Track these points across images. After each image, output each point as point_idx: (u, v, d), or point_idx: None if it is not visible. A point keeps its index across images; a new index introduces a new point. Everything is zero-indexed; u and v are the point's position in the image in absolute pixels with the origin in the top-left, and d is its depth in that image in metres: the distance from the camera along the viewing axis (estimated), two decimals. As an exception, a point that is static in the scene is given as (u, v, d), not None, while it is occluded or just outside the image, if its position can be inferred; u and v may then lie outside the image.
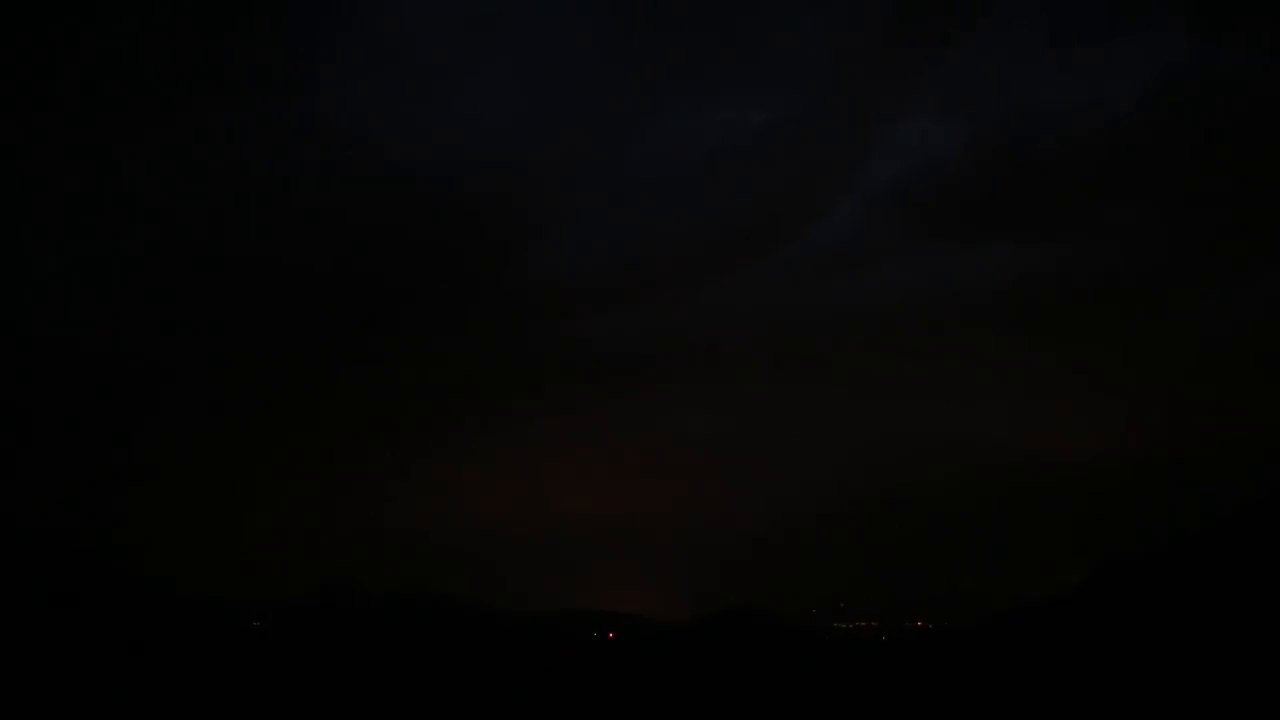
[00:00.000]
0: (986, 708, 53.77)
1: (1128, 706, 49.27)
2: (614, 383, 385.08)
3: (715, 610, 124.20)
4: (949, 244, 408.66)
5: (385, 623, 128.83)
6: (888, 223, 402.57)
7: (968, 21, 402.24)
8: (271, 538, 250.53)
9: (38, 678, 54.48)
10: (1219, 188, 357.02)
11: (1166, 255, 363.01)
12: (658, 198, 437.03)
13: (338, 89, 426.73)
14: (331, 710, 56.55)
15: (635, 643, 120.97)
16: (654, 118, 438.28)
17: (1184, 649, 56.20)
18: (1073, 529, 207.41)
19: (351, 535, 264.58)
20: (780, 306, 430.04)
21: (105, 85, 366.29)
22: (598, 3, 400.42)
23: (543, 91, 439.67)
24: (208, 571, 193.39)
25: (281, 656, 77.51)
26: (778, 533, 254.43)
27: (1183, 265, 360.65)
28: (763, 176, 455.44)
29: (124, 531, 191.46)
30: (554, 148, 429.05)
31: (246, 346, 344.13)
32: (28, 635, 64.15)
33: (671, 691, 66.28)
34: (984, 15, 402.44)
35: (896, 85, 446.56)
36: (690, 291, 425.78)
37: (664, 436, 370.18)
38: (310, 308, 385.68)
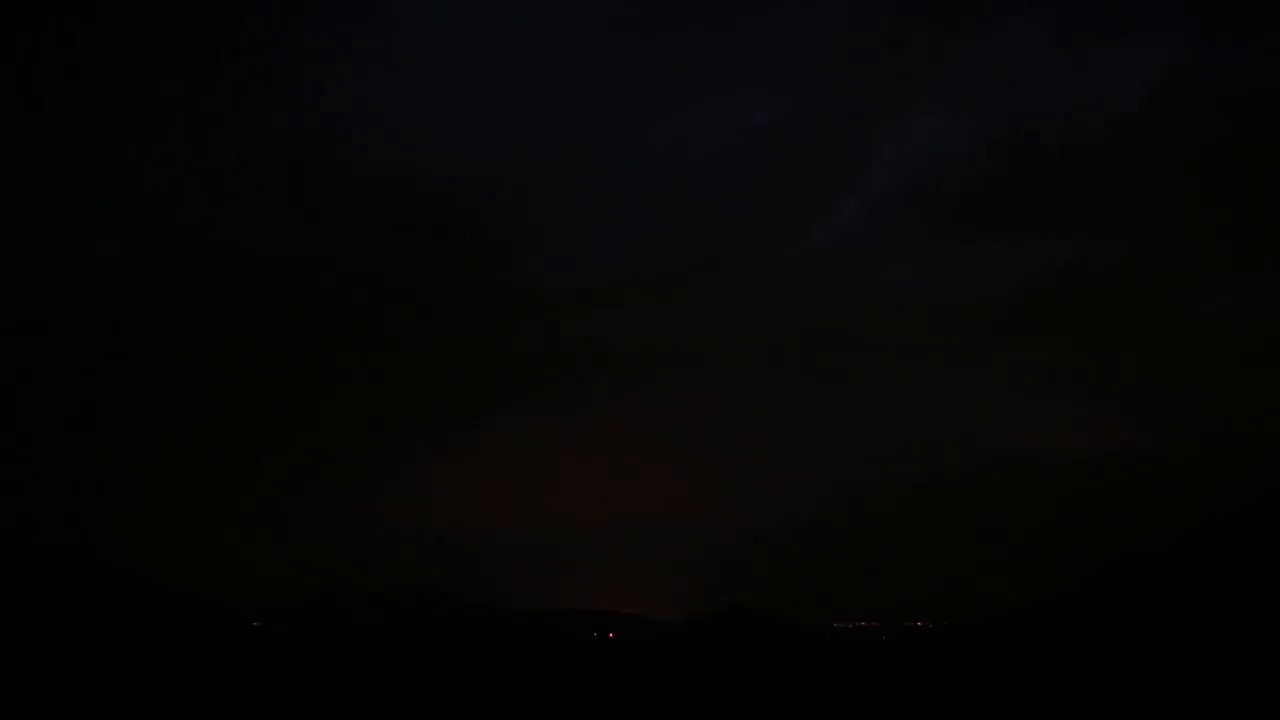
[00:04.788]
0: (986, 707, 53.71)
1: (1127, 706, 49.22)
2: (615, 382, 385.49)
3: (715, 610, 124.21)
4: (952, 243, 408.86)
5: (385, 622, 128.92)
6: (891, 222, 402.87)
7: (973, 21, 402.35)
8: (271, 537, 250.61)
9: (39, 677, 54.47)
10: (1223, 187, 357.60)
11: (1169, 255, 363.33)
12: (660, 197, 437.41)
13: (343, 90, 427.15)
14: (332, 710, 56.48)
15: (635, 643, 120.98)
16: (657, 117, 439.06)
17: (1184, 649, 56.18)
18: (1073, 529, 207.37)
19: (352, 535, 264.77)
20: (782, 306, 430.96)
21: (112, 85, 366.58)
22: (602, 3, 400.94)
23: (547, 91, 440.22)
24: (208, 571, 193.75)
25: (281, 656, 77.47)
26: (777, 533, 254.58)
27: (1185, 265, 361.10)
28: (766, 176, 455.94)
29: (124, 531, 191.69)
30: (557, 147, 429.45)
31: (247, 346, 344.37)
32: (29, 635, 64.14)
33: (671, 691, 66.22)
34: (989, 15, 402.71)
35: (901, 85, 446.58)
36: (692, 291, 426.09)
37: (664, 436, 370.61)
38: (311, 307, 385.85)
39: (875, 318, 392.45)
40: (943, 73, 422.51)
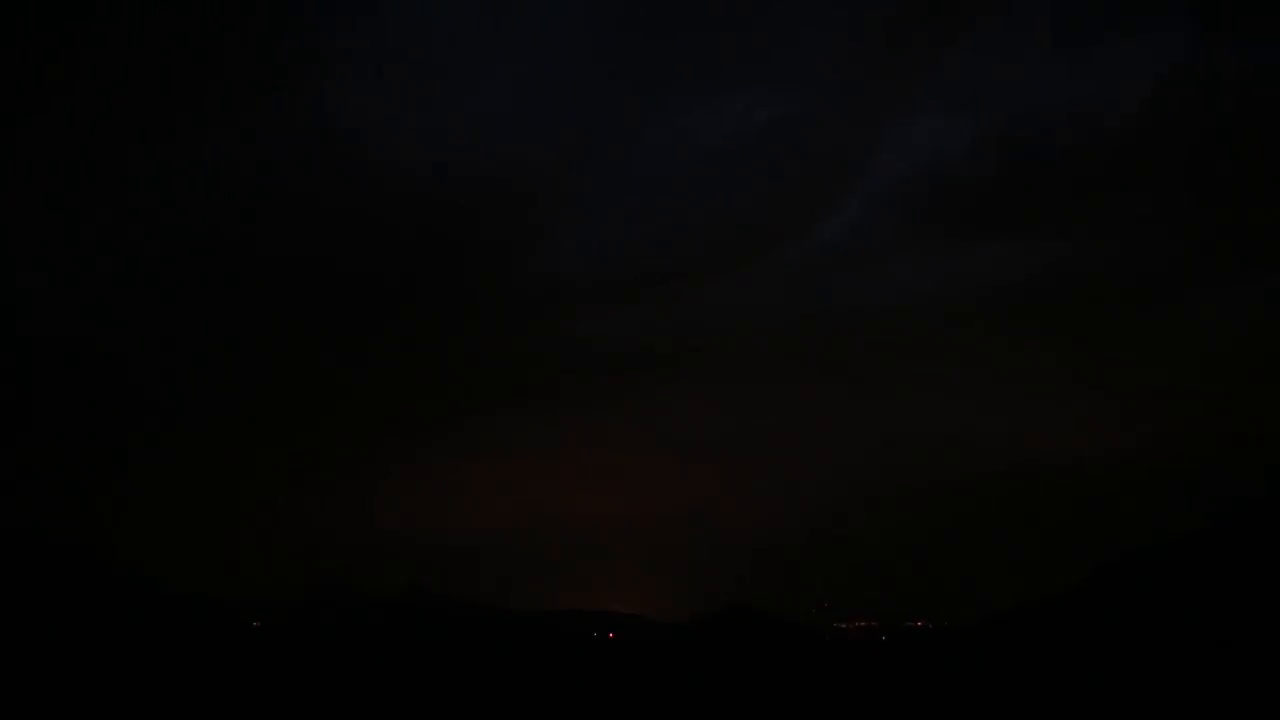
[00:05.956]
0: (986, 708, 53.69)
1: (1127, 706, 49.19)
2: (615, 382, 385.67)
3: (715, 610, 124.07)
4: (952, 243, 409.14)
5: (385, 623, 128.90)
6: (891, 222, 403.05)
7: (973, 21, 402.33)
8: (272, 538, 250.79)
9: (38, 678, 54.45)
10: (1222, 187, 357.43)
11: (1169, 255, 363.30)
12: (660, 197, 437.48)
13: (343, 90, 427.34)
14: (332, 710, 56.47)
15: (635, 643, 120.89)
16: (657, 117, 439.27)
17: (1184, 648, 56.16)
18: (1073, 529, 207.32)
19: (352, 536, 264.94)
20: (783, 306, 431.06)
21: (112, 85, 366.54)
22: (602, 3, 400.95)
23: (548, 91, 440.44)
24: (207, 572, 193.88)
25: (281, 656, 77.41)
26: (778, 533, 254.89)
27: (1185, 264, 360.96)
28: (766, 175, 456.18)
29: (124, 532, 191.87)
30: (558, 147, 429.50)
31: (247, 346, 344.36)
32: (29, 635, 64.12)
33: (671, 692, 66.19)
34: (989, 15, 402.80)
35: (901, 85, 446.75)
36: (692, 291, 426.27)
37: (664, 436, 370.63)
38: (311, 307, 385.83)
39: (875, 318, 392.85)
40: (943, 73, 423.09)
